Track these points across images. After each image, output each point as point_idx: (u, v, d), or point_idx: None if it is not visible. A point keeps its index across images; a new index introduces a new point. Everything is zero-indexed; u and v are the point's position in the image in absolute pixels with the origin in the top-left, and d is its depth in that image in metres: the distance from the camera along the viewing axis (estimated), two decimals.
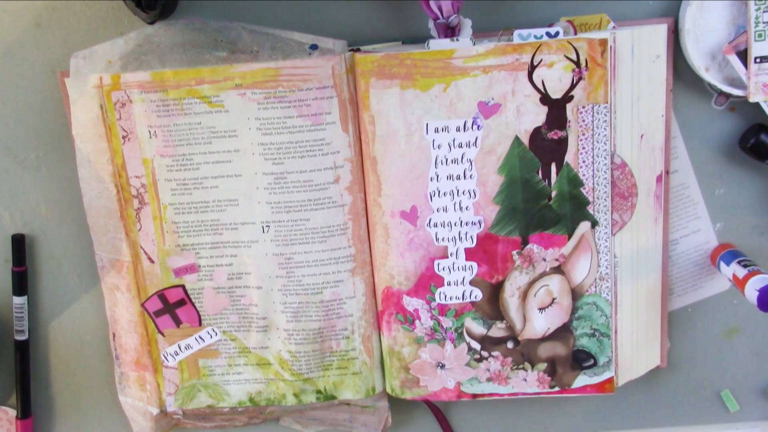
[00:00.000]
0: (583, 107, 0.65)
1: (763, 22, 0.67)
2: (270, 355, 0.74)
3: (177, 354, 0.74)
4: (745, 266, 0.70)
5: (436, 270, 0.70)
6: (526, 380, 0.72)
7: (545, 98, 0.65)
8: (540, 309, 0.70)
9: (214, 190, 0.70)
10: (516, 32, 0.65)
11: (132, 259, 0.72)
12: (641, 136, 0.69)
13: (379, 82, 0.65)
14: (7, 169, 0.74)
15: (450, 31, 0.66)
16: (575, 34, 0.67)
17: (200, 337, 0.74)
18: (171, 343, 0.74)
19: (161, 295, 0.73)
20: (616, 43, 0.64)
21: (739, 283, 0.69)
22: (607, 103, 0.65)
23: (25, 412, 0.77)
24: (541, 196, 0.67)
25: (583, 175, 0.67)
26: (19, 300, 0.75)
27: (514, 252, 0.69)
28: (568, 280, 0.70)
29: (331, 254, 0.70)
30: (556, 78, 0.64)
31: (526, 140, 0.66)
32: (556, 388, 0.72)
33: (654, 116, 0.69)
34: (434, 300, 0.71)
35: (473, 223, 0.68)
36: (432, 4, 0.65)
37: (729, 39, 0.69)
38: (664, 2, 0.70)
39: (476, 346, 0.72)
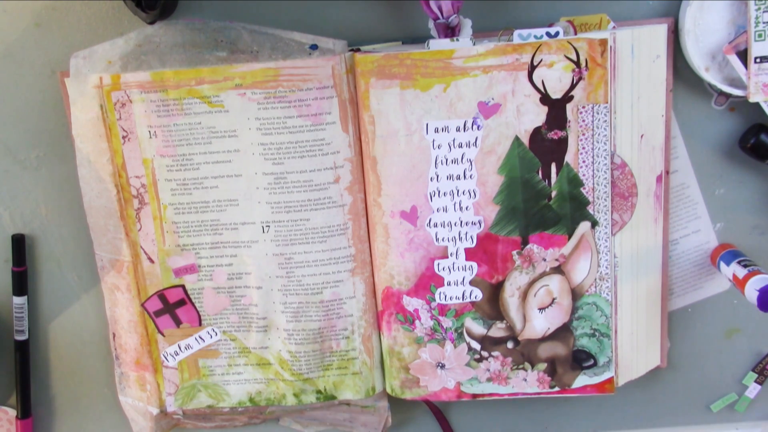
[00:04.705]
0: (583, 107, 0.65)
1: (763, 22, 0.67)
2: (270, 355, 0.74)
3: (177, 354, 0.74)
4: (745, 266, 0.70)
5: (436, 270, 0.70)
6: (526, 380, 0.72)
7: (545, 98, 0.65)
8: (540, 309, 0.70)
9: (214, 190, 0.70)
10: (516, 32, 0.65)
11: (132, 259, 0.72)
12: (641, 136, 0.69)
13: (379, 82, 0.65)
14: (7, 169, 0.74)
15: (450, 31, 0.66)
16: (575, 34, 0.67)
17: (200, 337, 0.74)
18: (171, 343, 0.74)
19: (161, 295, 0.73)
20: (616, 43, 0.64)
21: (739, 283, 0.69)
22: (607, 103, 0.65)
23: (25, 412, 0.77)
24: (541, 196, 0.67)
25: (583, 175, 0.67)
26: (19, 300, 0.75)
27: (514, 252, 0.69)
28: (568, 280, 0.70)
29: (331, 254, 0.70)
30: (556, 78, 0.64)
31: (526, 140, 0.66)
32: (556, 388, 0.73)
33: (654, 116, 0.69)
34: (434, 300, 0.71)
35: (473, 223, 0.69)
36: (432, 4, 0.65)
37: (729, 39, 0.69)
38: (664, 2, 0.70)
39: (476, 346, 0.72)
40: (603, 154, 0.67)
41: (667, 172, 0.72)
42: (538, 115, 0.66)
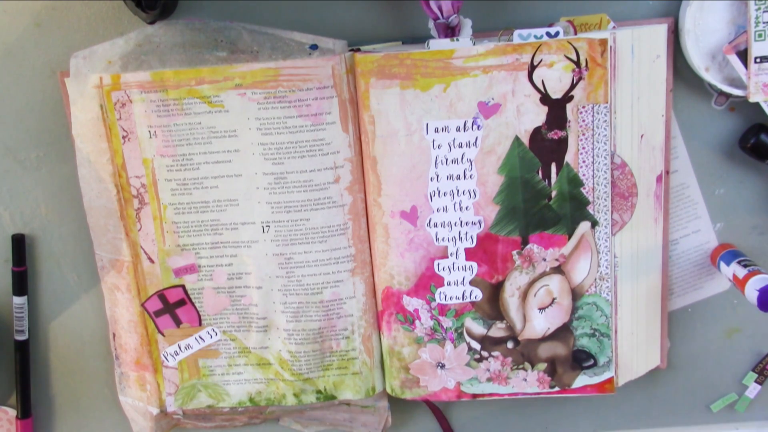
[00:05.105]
0: (583, 107, 0.65)
1: (763, 22, 0.67)
2: (270, 355, 0.74)
3: (177, 354, 0.74)
4: (745, 266, 0.70)
5: (436, 270, 0.70)
6: (526, 380, 0.72)
7: (545, 98, 0.65)
8: (540, 309, 0.70)
9: (214, 190, 0.70)
10: (516, 32, 0.65)
11: (132, 259, 0.72)
12: (641, 136, 0.69)
13: (379, 82, 0.65)
14: (7, 169, 0.74)
15: (450, 31, 0.66)
16: (575, 34, 0.67)
17: (200, 337, 0.74)
18: (171, 343, 0.74)
19: (161, 295, 0.73)
20: (616, 43, 0.64)
21: (739, 283, 0.69)
22: (607, 103, 0.65)
23: (25, 412, 0.77)
24: (541, 196, 0.67)
25: (583, 175, 0.67)
26: (19, 300, 0.75)
27: (514, 252, 0.69)
28: (568, 280, 0.70)
29: (331, 254, 0.70)
30: (556, 78, 0.64)
31: (526, 140, 0.66)
32: (556, 388, 0.73)
33: (654, 116, 0.69)
34: (434, 300, 0.71)
35: (473, 223, 0.69)
36: (432, 4, 0.65)
37: (729, 39, 0.69)
38: (664, 2, 0.70)
39: (476, 346, 0.72)
40: (603, 154, 0.67)
41: (667, 172, 0.72)
42: (538, 115, 0.66)
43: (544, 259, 0.69)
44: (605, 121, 0.66)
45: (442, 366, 0.73)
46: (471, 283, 0.70)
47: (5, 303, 0.76)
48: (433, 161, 0.67)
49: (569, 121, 0.66)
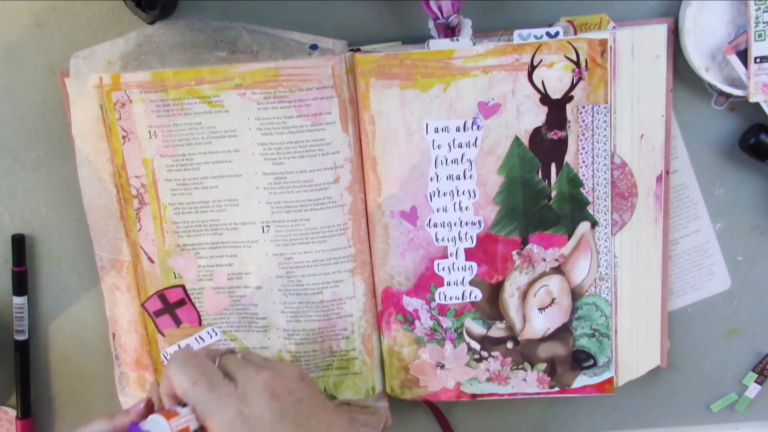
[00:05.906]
0: (583, 107, 0.65)
1: (763, 22, 0.67)
2: (270, 355, 0.74)
3: None
4: None
5: (436, 270, 0.70)
6: (525, 380, 0.72)
7: (545, 98, 0.65)
8: (540, 309, 0.70)
9: (214, 190, 0.70)
10: (516, 32, 0.65)
11: (132, 259, 0.72)
12: (641, 136, 0.69)
13: (379, 82, 0.65)
14: (7, 169, 0.74)
15: (450, 31, 0.66)
16: (575, 34, 0.67)
17: (200, 337, 0.74)
18: (171, 343, 0.74)
19: (161, 295, 0.73)
20: (616, 43, 0.64)
21: None
22: (607, 103, 0.65)
23: (25, 412, 0.77)
24: (541, 196, 0.67)
25: (583, 175, 0.67)
26: (19, 300, 0.75)
27: (514, 252, 0.69)
28: (567, 280, 0.70)
29: (331, 254, 0.70)
30: (556, 78, 0.64)
31: (526, 140, 0.66)
32: (556, 388, 0.72)
33: (654, 116, 0.69)
34: (434, 300, 0.71)
35: (473, 223, 0.69)
36: (432, 4, 0.65)
37: (729, 39, 0.69)
38: (664, 2, 0.70)
39: (476, 346, 0.72)
40: (603, 154, 0.67)
41: (667, 172, 0.72)
42: (538, 115, 0.66)
43: (544, 260, 0.69)
44: (605, 121, 0.66)
45: (442, 366, 0.73)
46: (471, 283, 0.70)
47: (5, 303, 0.76)
48: (433, 161, 0.67)
49: (569, 122, 0.66)
